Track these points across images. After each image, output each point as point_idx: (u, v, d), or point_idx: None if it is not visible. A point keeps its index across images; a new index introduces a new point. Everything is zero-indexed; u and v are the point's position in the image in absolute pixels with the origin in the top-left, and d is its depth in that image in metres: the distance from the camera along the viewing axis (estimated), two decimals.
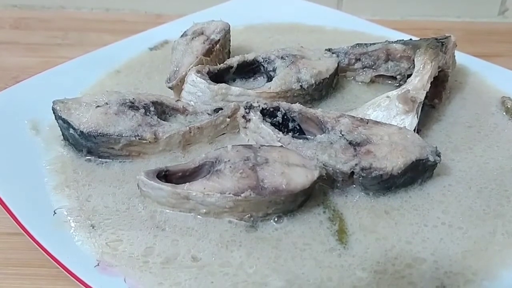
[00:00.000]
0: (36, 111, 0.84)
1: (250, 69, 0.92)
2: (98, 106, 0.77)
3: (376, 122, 0.76)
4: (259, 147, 0.70)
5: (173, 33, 1.02)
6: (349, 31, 1.14)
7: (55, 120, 0.79)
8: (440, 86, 0.90)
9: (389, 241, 0.65)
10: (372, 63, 0.94)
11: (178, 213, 0.68)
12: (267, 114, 0.79)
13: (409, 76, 0.87)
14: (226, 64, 0.90)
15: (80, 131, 0.75)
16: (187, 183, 0.66)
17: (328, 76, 0.89)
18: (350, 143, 0.72)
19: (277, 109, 0.79)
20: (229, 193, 0.64)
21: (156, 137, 0.76)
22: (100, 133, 0.74)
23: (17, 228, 0.66)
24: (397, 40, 0.95)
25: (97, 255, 0.63)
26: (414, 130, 0.78)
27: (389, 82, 0.95)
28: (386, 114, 0.80)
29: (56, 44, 1.23)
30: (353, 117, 0.77)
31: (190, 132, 0.78)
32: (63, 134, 0.79)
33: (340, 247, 0.65)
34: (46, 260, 0.62)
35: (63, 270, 0.61)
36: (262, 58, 0.91)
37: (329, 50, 0.96)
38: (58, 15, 1.36)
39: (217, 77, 0.88)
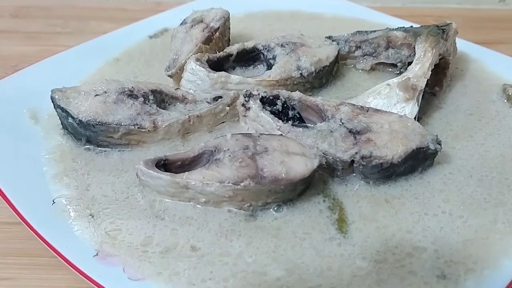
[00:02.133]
0: (35, 100, 0.84)
1: (249, 57, 0.92)
2: (97, 95, 0.76)
3: (377, 110, 0.76)
4: (259, 136, 0.70)
5: (173, 21, 1.01)
6: (349, 18, 1.13)
7: (54, 109, 0.78)
8: (441, 74, 0.89)
9: (389, 230, 0.65)
10: (373, 50, 0.94)
11: (177, 202, 0.68)
12: (267, 102, 0.79)
13: (409, 63, 0.87)
14: (225, 52, 0.90)
15: (79, 120, 0.74)
16: (186, 172, 0.66)
17: (328, 64, 0.89)
18: (350, 131, 0.72)
19: (276, 97, 0.79)
20: (229, 182, 0.64)
21: (155, 126, 0.75)
22: (99, 122, 0.74)
23: (16, 217, 0.66)
24: (398, 28, 0.94)
25: (96, 245, 0.63)
26: (415, 118, 0.77)
27: (390, 69, 0.95)
28: (386, 102, 0.80)
29: (56, 32, 1.22)
30: (353, 105, 0.77)
31: (190, 121, 0.77)
32: (62, 123, 0.79)
33: (340, 236, 0.65)
34: (45, 249, 0.62)
35: (62, 259, 0.61)
36: (262, 46, 0.91)
37: (329, 37, 0.95)
38: (57, 4, 1.34)
39: (216, 65, 0.87)
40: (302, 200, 0.69)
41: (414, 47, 0.87)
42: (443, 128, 0.82)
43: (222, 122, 0.81)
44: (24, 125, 0.81)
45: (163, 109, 0.79)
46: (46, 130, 0.80)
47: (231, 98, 0.80)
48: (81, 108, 0.75)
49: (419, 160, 0.71)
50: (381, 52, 0.94)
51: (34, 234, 0.63)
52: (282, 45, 0.90)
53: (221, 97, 0.81)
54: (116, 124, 0.74)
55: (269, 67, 0.88)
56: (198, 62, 0.84)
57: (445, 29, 0.89)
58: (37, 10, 1.31)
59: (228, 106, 0.80)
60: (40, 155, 0.76)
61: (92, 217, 0.67)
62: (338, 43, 0.94)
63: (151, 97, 0.79)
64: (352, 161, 0.69)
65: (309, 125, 0.77)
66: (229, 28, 0.98)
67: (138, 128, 0.75)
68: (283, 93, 0.80)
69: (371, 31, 0.94)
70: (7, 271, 0.67)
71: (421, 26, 0.94)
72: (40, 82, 0.87)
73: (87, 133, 0.75)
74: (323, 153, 0.70)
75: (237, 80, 0.84)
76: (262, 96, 0.79)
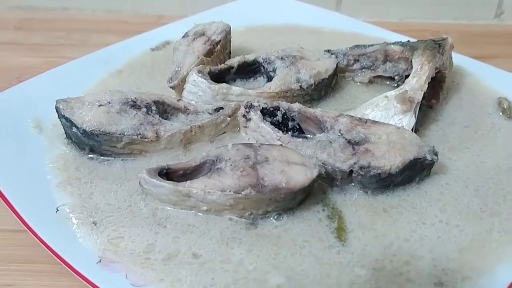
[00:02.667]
0: (39, 110, 0.85)
1: (250, 70, 0.93)
2: (100, 105, 0.78)
3: (375, 122, 0.77)
4: (259, 146, 0.71)
5: (174, 33, 1.03)
6: (347, 33, 1.15)
7: (58, 119, 0.80)
8: (438, 87, 0.91)
9: (388, 238, 0.66)
10: (371, 64, 0.96)
11: (179, 211, 0.69)
12: (267, 113, 0.80)
13: (407, 76, 0.88)
14: (226, 64, 0.91)
15: (83, 129, 0.76)
16: (188, 181, 0.67)
17: (327, 77, 0.91)
18: (349, 142, 0.73)
19: (277, 108, 0.80)
20: (230, 191, 0.65)
21: (158, 136, 0.77)
22: (102, 131, 0.75)
23: (20, 225, 0.67)
24: (395, 42, 0.96)
25: (99, 252, 0.64)
26: (412, 129, 0.79)
27: (387, 82, 0.97)
28: (384, 114, 0.82)
29: (59, 44, 1.24)
30: (352, 116, 0.78)
31: (191, 131, 0.79)
32: (66, 133, 0.80)
33: (339, 244, 0.66)
34: (49, 256, 0.63)
35: (65, 266, 0.62)
36: (262, 58, 0.92)
37: (328, 51, 0.97)
38: (60, 16, 1.37)
39: (218, 77, 0.89)
40: (302, 209, 0.70)
41: (411, 61, 0.88)
42: (440, 140, 0.83)
43: (223, 133, 0.82)
44: (29, 134, 0.82)
45: (166, 119, 0.80)
46: (50, 140, 0.81)
47: (232, 109, 0.82)
48: (85, 118, 0.76)
49: (417, 170, 0.73)
50: (379, 66, 0.95)
51: (38, 241, 0.64)
52: (282, 58, 0.91)
53: (222, 108, 0.82)
54: (120, 134, 0.76)
55: (269, 79, 0.90)
56: (200, 74, 0.86)
57: (441, 43, 0.90)
58: (40, 23, 1.33)
59: (229, 117, 0.81)
60: (44, 164, 0.77)
61: (95, 224, 0.68)
62: (336, 57, 0.96)
63: (153, 108, 0.80)
64: (351, 171, 0.71)
65: (309, 136, 0.79)
66: (230, 41, 1.00)
67: (141, 138, 0.76)
68: (283, 104, 0.81)
69: (369, 45, 0.96)
70: (11, 278, 0.68)
71: (418, 40, 0.96)
72: (44, 93, 0.88)
73: (90, 143, 0.77)
74: (323, 163, 0.71)
75: (238, 91, 0.85)
76: (262, 108, 0.80)
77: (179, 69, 0.90)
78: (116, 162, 0.77)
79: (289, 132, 0.78)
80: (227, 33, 0.97)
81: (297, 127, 0.80)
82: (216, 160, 0.70)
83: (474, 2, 1.39)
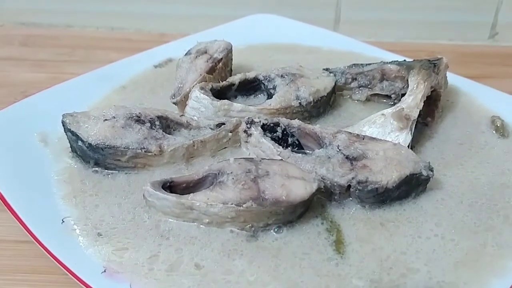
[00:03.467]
0: (45, 124, 0.86)
1: (251, 87, 0.95)
2: (106, 120, 0.80)
3: (372, 138, 0.79)
4: (260, 160, 0.73)
5: (177, 51, 1.05)
6: (345, 52, 1.17)
7: (64, 133, 0.81)
8: (433, 105, 0.93)
9: (385, 251, 0.68)
10: (368, 82, 0.98)
11: (182, 223, 0.70)
12: (268, 129, 0.82)
13: (403, 95, 0.90)
14: (228, 81, 0.93)
15: (88, 143, 0.77)
16: (191, 194, 0.69)
17: (325, 94, 0.93)
18: (347, 157, 0.75)
19: (277, 124, 0.82)
20: (232, 204, 0.67)
21: (161, 150, 0.79)
22: (107, 145, 0.77)
23: (26, 235, 0.68)
24: (392, 61, 0.98)
25: (104, 262, 0.65)
26: (408, 146, 0.81)
27: (384, 100, 0.99)
28: (381, 131, 0.83)
29: (64, 60, 1.26)
30: (350, 133, 0.80)
31: (194, 146, 0.81)
32: (71, 146, 0.82)
33: (337, 256, 0.67)
34: (55, 266, 0.64)
35: (71, 276, 0.63)
36: (263, 76, 0.94)
37: (326, 69, 0.99)
38: (65, 33, 1.39)
39: (219, 94, 0.91)
40: (301, 222, 0.71)
41: (407, 80, 0.90)
42: (435, 156, 0.85)
43: (225, 148, 0.84)
44: (35, 148, 0.83)
45: (169, 134, 0.82)
46: (56, 153, 0.83)
47: (233, 125, 0.84)
48: (91, 132, 0.78)
49: (413, 185, 0.75)
50: (376, 84, 0.97)
51: (44, 252, 0.65)
52: (282, 76, 0.93)
53: (224, 123, 0.84)
54: (124, 148, 0.77)
55: (270, 96, 0.92)
56: (202, 91, 0.88)
57: (436, 63, 0.93)
58: (45, 39, 1.35)
59: (230, 132, 0.83)
60: (50, 176, 0.78)
61: (100, 236, 0.69)
62: (335, 75, 0.98)
63: (157, 123, 0.82)
64: (349, 186, 0.73)
65: (308, 151, 0.80)
66: (232, 59, 1.02)
67: (145, 151, 0.78)
68: (283, 120, 0.83)
69: (366, 64, 0.98)
70: None
71: (413, 60, 0.98)
72: (50, 108, 0.90)
73: (95, 156, 0.78)
74: (322, 178, 0.73)
75: (239, 108, 0.87)
76: (263, 123, 0.82)
77: (181, 85, 0.92)
78: (120, 175, 0.79)
79: (289, 148, 0.79)
80: (229, 51, 1.00)
81: (297, 142, 0.82)
82: (218, 174, 0.71)
83: (468, 24, 1.41)
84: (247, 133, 0.83)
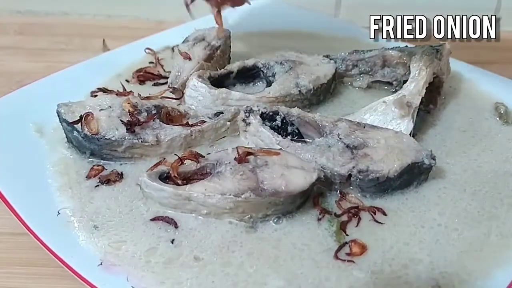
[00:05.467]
0: (40, 114, 0.85)
1: (250, 75, 0.94)
2: (101, 109, 0.78)
3: (373, 126, 0.78)
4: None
5: (175, 39, 1.04)
6: (346, 38, 1.16)
7: (59, 123, 0.80)
8: (435, 92, 0.91)
9: (387, 242, 0.67)
10: (369, 69, 0.97)
11: (180, 214, 0.69)
12: (267, 118, 0.81)
13: (404, 82, 0.89)
14: (226, 69, 0.92)
15: (84, 133, 0.76)
16: (189, 185, 0.68)
17: (326, 82, 0.91)
18: (348, 146, 0.74)
19: (276, 113, 0.81)
20: (230, 194, 0.66)
21: (158, 140, 0.77)
22: (103, 135, 0.76)
23: (22, 228, 0.67)
24: (393, 47, 0.97)
25: (100, 255, 0.64)
26: (410, 134, 0.80)
27: (386, 87, 0.97)
28: (382, 119, 0.82)
29: (60, 49, 1.24)
30: (351, 121, 0.79)
31: (192, 135, 0.80)
32: (67, 137, 0.81)
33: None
34: (50, 259, 0.64)
35: (67, 269, 0.62)
36: (262, 63, 0.93)
37: (327, 56, 0.98)
38: (61, 22, 1.37)
39: (217, 82, 0.90)
40: (301, 212, 0.70)
41: (409, 66, 0.89)
42: (438, 144, 0.84)
43: (223, 137, 0.83)
44: (30, 138, 0.82)
45: (166, 124, 0.81)
46: (51, 144, 0.82)
47: (232, 113, 0.82)
48: None
49: (414, 174, 0.74)
50: (377, 71, 0.96)
51: (40, 244, 0.65)
52: (281, 63, 0.92)
53: (222, 112, 0.83)
54: (120, 138, 0.76)
55: (269, 84, 0.91)
56: (200, 79, 0.87)
57: (439, 49, 0.91)
58: (41, 28, 1.33)
59: (229, 122, 0.82)
60: (45, 167, 0.77)
61: (96, 228, 0.68)
62: (335, 62, 0.96)
63: (154, 112, 0.81)
64: (350, 175, 0.71)
65: (308, 140, 0.79)
66: (230, 46, 1.01)
67: (141, 142, 0.77)
68: (283, 109, 0.82)
69: (367, 50, 0.97)
70: (13, 281, 0.68)
71: (415, 46, 0.97)
72: (45, 97, 0.88)
73: (91, 147, 0.77)
74: (322, 167, 0.72)
75: (237, 96, 0.86)
76: (262, 112, 0.81)
77: (179, 74, 0.91)
78: (116, 166, 0.78)
79: (289, 137, 0.78)
80: (227, 38, 0.98)
81: (296, 131, 0.81)
82: (216, 164, 0.70)
83: (471, 9, 1.39)
84: (245, 122, 0.81)
